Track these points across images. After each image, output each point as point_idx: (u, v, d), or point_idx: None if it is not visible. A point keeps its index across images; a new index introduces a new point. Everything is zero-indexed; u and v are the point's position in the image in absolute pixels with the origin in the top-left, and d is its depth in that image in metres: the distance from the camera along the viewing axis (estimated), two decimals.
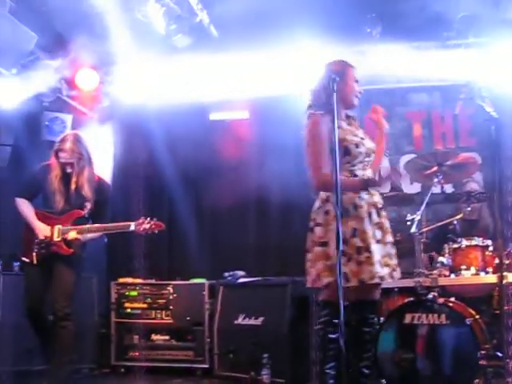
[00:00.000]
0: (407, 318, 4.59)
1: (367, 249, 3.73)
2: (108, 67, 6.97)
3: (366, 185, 3.80)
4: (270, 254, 7.01)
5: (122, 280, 6.64)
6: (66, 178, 5.06)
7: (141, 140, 7.26)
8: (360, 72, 4.08)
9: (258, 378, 5.52)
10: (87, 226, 4.99)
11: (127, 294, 6.52)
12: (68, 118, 7.35)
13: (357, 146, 3.83)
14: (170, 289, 6.42)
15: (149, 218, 4.96)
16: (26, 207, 5.11)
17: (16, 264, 6.58)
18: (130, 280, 6.60)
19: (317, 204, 3.90)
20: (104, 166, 7.43)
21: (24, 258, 5.06)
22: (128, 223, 4.95)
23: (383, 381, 4.56)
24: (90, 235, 5.03)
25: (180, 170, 7.19)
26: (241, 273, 6.40)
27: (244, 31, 5.84)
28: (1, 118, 7.54)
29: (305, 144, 3.85)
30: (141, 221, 4.93)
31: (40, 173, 5.15)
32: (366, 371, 3.92)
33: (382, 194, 4.97)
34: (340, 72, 3.75)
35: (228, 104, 7.10)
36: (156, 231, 4.99)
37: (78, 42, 6.34)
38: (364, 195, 3.84)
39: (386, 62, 6.24)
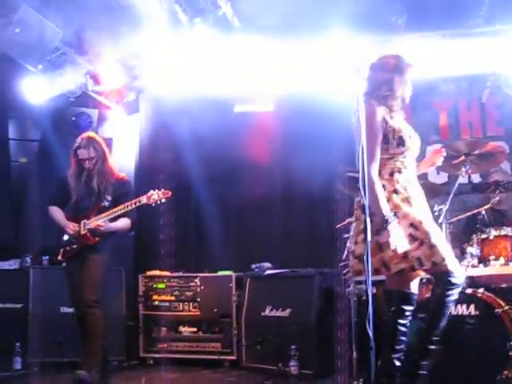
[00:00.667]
0: None
1: (437, 233, 3.70)
2: (133, 61, 6.99)
3: (385, 221, 3.59)
4: (297, 245, 7.00)
5: (149, 273, 6.70)
6: (85, 174, 5.32)
7: (166, 133, 7.28)
8: None
9: (285, 370, 5.53)
10: (107, 212, 5.18)
11: (155, 286, 6.57)
12: (94, 113, 7.42)
13: (410, 137, 3.82)
14: (198, 281, 6.45)
15: (157, 190, 5.13)
16: (56, 213, 5.40)
17: (45, 258, 6.68)
18: (157, 273, 6.65)
19: None
20: (128, 160, 7.51)
21: (59, 258, 5.29)
22: (139, 198, 5.12)
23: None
24: (115, 224, 5.22)
25: (205, 163, 7.20)
26: (267, 265, 6.41)
27: (269, 23, 5.82)
28: (28, 114, 7.63)
29: (358, 129, 3.76)
30: (150, 193, 5.11)
31: (64, 180, 5.43)
32: (398, 363, 3.89)
33: None
34: (400, 68, 3.81)
35: (252, 96, 7.09)
36: (164, 200, 5.15)
37: (102, 37, 6.36)
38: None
39: (412, 52, 6.17)
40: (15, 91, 7.10)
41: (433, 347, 3.78)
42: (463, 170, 4.91)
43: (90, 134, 5.52)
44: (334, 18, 5.60)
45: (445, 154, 4.11)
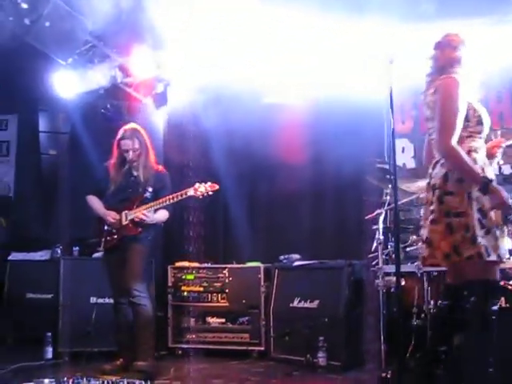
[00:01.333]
0: None
1: (502, 224, 3.55)
2: (161, 53, 7.01)
3: (485, 185, 3.43)
4: (326, 237, 6.97)
5: (178, 264, 6.73)
6: (127, 165, 5.39)
7: (194, 125, 7.30)
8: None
9: (313, 361, 5.54)
10: (151, 203, 5.23)
11: (184, 277, 6.59)
12: (123, 105, 7.47)
13: (486, 117, 3.67)
14: (226, 272, 6.47)
15: (203, 183, 5.17)
16: (95, 202, 5.46)
17: (75, 249, 6.76)
18: (186, 264, 6.68)
19: (441, 170, 3.59)
20: (156, 153, 7.55)
21: (98, 248, 5.41)
22: (185, 190, 5.16)
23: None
24: (157, 216, 5.28)
25: (234, 155, 7.21)
26: (296, 256, 6.41)
27: (298, 10, 5.80)
28: (58, 107, 7.72)
29: (435, 106, 3.61)
30: (196, 186, 5.14)
31: (104, 170, 5.51)
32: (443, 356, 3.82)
33: None
34: (464, 45, 3.72)
35: (282, 88, 7.06)
36: (211, 193, 5.19)
37: (131, 29, 6.39)
38: None
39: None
40: (45, 84, 7.19)
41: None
42: (496, 160, 4.85)
43: (134, 125, 5.55)
44: (364, 6, 5.57)
45: (505, 145, 3.91)
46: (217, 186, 5.21)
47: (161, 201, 5.20)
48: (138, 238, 5.26)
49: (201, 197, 5.17)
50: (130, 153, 5.32)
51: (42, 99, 7.85)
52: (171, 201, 5.18)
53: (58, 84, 7.16)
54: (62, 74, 7.07)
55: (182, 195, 5.17)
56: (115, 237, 5.29)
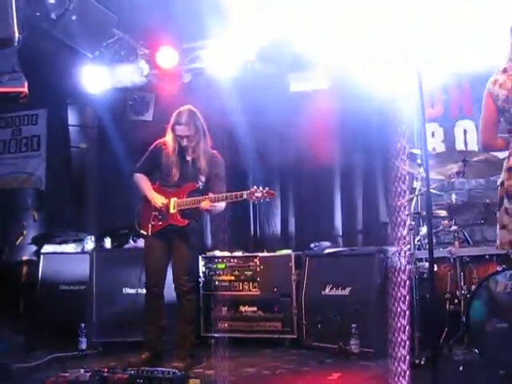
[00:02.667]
0: (499, 286, 4.46)
1: None
2: (188, 44, 7.02)
3: None
4: (356, 223, 6.95)
5: (209, 253, 6.75)
6: (181, 151, 5.19)
7: (222, 113, 7.29)
8: None
9: (346, 348, 5.52)
10: (215, 195, 5.03)
11: (215, 266, 6.61)
12: (151, 97, 7.49)
13: None
14: (257, 261, 6.47)
15: (261, 187, 4.94)
16: (143, 181, 5.29)
17: (106, 240, 6.82)
18: (217, 253, 6.70)
19: None
20: None
21: (142, 231, 5.22)
22: (241, 192, 4.96)
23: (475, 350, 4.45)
24: (217, 205, 5.08)
25: (261, 143, 7.20)
26: (327, 243, 6.40)
27: None
28: (87, 100, 7.77)
29: None
30: (253, 190, 4.93)
31: (156, 149, 5.31)
32: None
33: (466, 161, 4.86)
34: None
35: (309, 74, 7.00)
36: (268, 199, 4.98)
37: (157, 21, 6.39)
38: None
39: None
40: (74, 78, 7.23)
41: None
42: None
43: (189, 107, 5.25)
44: None
45: None
46: (274, 193, 5.03)
47: (212, 197, 5.00)
48: (188, 233, 5.13)
49: (256, 202, 5.01)
50: (185, 139, 5.11)
51: (70, 93, 7.91)
52: (223, 200, 5.02)
53: (86, 78, 7.21)
54: (89, 68, 7.12)
55: (236, 196, 4.96)
56: (160, 223, 5.13)
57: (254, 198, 4.91)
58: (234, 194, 5.00)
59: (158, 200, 5.10)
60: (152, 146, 5.35)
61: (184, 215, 5.10)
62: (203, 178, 5.16)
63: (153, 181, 5.34)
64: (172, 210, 5.08)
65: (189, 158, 5.20)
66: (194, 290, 5.24)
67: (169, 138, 5.21)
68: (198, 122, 5.15)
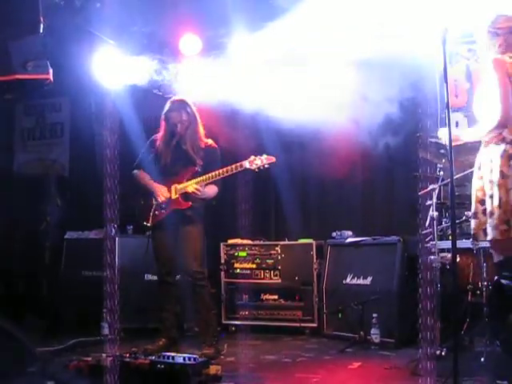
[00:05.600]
0: None
1: None
2: (209, 31, 6.98)
3: None
4: (378, 213, 6.92)
5: (231, 241, 6.76)
6: (174, 138, 5.27)
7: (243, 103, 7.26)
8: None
9: (366, 338, 5.52)
10: (204, 176, 5.08)
11: (236, 254, 6.64)
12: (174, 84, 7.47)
13: None
14: (279, 249, 6.48)
15: (259, 155, 4.99)
16: (143, 177, 5.37)
17: (129, 227, 6.85)
18: (238, 241, 6.71)
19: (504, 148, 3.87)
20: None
21: (145, 223, 5.28)
22: (240, 163, 5.00)
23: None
24: (207, 190, 5.14)
25: (283, 132, 7.16)
26: (348, 233, 6.38)
27: None
28: (110, 89, 7.78)
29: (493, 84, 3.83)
30: (252, 158, 4.98)
31: (150, 142, 5.43)
32: None
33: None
34: None
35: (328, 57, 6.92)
36: (268, 165, 5.00)
37: (179, 8, 6.38)
38: None
39: None
40: (98, 67, 7.24)
41: None
42: None
43: (181, 97, 5.41)
44: None
45: None
46: (273, 159, 5.01)
47: (213, 174, 5.03)
48: (192, 218, 5.16)
49: (256, 170, 4.99)
50: (178, 125, 5.21)
51: (94, 81, 7.93)
52: (225, 174, 5.02)
53: (109, 65, 7.21)
54: (113, 55, 7.12)
55: (236, 168, 4.99)
56: (163, 211, 5.19)
57: (254, 166, 4.96)
58: (234, 165, 5.02)
59: (162, 193, 5.19)
60: (148, 141, 5.47)
61: (186, 198, 5.14)
62: (201, 162, 5.19)
63: (154, 176, 5.39)
64: (174, 196, 5.16)
65: (183, 144, 5.25)
66: (205, 275, 5.21)
67: (162, 129, 5.34)
68: (188, 108, 5.27)
